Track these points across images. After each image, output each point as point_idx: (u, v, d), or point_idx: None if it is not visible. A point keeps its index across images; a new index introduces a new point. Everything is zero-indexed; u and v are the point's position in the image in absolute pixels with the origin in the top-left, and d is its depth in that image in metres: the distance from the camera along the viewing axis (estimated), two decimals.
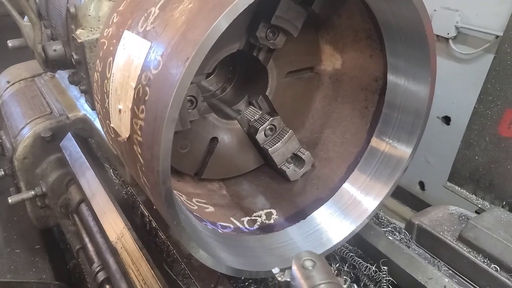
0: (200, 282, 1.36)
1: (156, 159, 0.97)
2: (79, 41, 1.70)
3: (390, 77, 1.43)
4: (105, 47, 1.25)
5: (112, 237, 1.56)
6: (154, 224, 1.60)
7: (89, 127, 2.20)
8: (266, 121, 1.58)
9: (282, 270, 0.75)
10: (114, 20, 1.25)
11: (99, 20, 1.75)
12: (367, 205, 1.43)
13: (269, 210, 1.56)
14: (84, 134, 2.22)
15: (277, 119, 1.60)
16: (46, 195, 2.24)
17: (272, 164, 1.65)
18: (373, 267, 1.47)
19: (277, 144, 1.60)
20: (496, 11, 2.22)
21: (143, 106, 1.01)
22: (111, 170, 1.97)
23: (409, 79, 1.38)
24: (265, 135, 1.61)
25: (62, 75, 2.63)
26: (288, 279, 0.71)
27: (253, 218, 1.52)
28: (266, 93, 1.61)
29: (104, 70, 1.24)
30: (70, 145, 2.10)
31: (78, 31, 1.76)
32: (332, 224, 1.45)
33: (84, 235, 2.06)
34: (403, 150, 1.41)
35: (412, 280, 1.39)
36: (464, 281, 1.34)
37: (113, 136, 1.27)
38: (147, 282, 1.35)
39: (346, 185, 1.51)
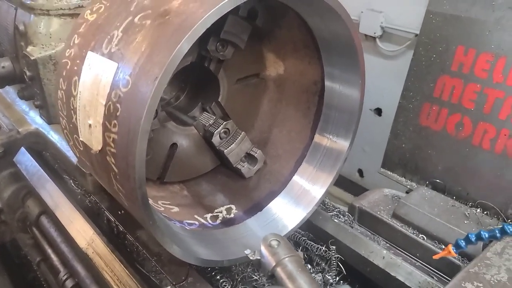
0: (171, 276, 1.49)
1: (131, 167, 1.09)
2: (32, 58, 1.76)
3: (327, 83, 1.64)
4: (68, 67, 1.35)
5: (82, 244, 1.65)
6: (121, 228, 1.70)
7: (43, 140, 2.23)
8: (220, 125, 1.73)
9: (253, 252, 0.91)
10: (76, 41, 1.35)
11: (50, 37, 1.81)
12: (315, 194, 1.62)
13: (228, 206, 1.72)
14: (37, 147, 2.25)
15: (230, 122, 1.76)
16: (2, 211, 2.25)
17: (228, 164, 1.80)
18: (323, 247, 1.67)
19: (231, 146, 1.75)
20: (414, 11, 2.52)
21: (115, 121, 1.13)
22: (70, 180, 2.02)
23: (343, 84, 1.59)
24: (220, 138, 1.76)
25: (6, 89, 2.61)
26: (259, 257, 0.87)
27: (215, 214, 1.67)
28: (219, 100, 1.76)
29: (69, 88, 1.33)
30: (25, 160, 2.12)
31: (29, 48, 1.81)
32: (286, 212, 1.63)
33: (46, 247, 2.11)
34: (342, 144, 1.62)
35: (356, 255, 1.60)
36: (399, 251, 1.58)
37: (81, 149, 1.37)
38: (122, 281, 1.46)
39: (296, 177, 1.70)
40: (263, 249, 0.86)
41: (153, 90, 1.02)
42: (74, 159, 1.96)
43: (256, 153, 1.79)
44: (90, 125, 1.25)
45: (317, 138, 1.70)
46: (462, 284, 1.23)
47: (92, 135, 1.25)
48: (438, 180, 1.72)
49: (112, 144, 1.15)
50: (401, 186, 1.86)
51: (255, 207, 1.71)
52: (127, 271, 1.48)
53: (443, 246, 1.50)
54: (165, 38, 1.07)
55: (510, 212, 1.54)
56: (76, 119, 1.32)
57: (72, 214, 1.77)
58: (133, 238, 1.66)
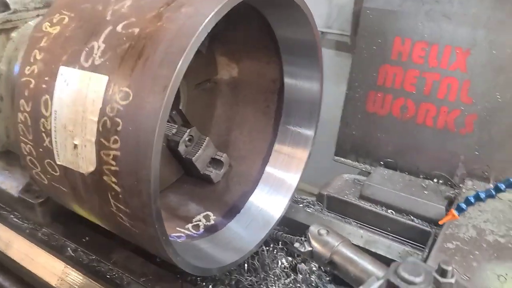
0: None
1: (144, 182, 1.03)
2: None
3: (287, 80, 1.70)
4: (32, 86, 1.22)
5: (52, 281, 1.49)
6: (93, 256, 1.57)
7: None
8: (184, 133, 1.70)
9: (301, 243, 0.93)
10: (38, 57, 1.22)
11: None
12: (291, 181, 1.68)
13: (205, 213, 1.69)
14: None
15: (193, 129, 1.73)
16: None
17: (194, 171, 1.77)
18: (302, 238, 1.73)
19: (198, 152, 1.73)
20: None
21: (115, 137, 1.06)
22: (11, 216, 1.80)
23: (303, 80, 1.67)
24: (185, 146, 1.72)
25: None
26: (310, 248, 0.90)
27: (195, 223, 1.63)
28: (180, 107, 1.72)
29: (37, 108, 1.21)
30: None
31: None
32: (266, 207, 1.67)
33: None
34: (307, 133, 1.69)
35: None
36: (372, 229, 1.71)
37: (57, 174, 1.25)
38: None
39: (268, 169, 1.73)
40: (313, 240, 0.89)
41: (165, 98, 0.99)
42: (13, 192, 1.75)
43: (221, 156, 1.78)
44: (75, 146, 1.15)
45: (281, 131, 1.75)
46: (445, 245, 1.39)
47: (80, 155, 1.15)
48: (389, 160, 1.90)
49: (113, 162, 1.08)
50: (356, 170, 2.00)
51: (233, 210, 1.71)
52: None
53: (411, 217, 1.67)
54: (166, 44, 1.04)
55: (456, 179, 1.77)
56: (50, 142, 1.20)
57: (31, 250, 1.58)
58: (110, 263, 1.54)
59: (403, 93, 1.82)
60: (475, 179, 1.68)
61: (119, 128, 1.05)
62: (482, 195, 1.29)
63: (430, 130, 1.80)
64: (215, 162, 1.80)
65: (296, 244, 0.97)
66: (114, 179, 1.10)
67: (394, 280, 0.59)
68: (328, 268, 0.89)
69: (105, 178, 1.11)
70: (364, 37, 1.86)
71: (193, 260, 1.31)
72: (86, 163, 1.14)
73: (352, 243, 0.91)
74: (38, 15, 1.70)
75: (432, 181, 1.77)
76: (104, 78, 1.08)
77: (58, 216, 1.73)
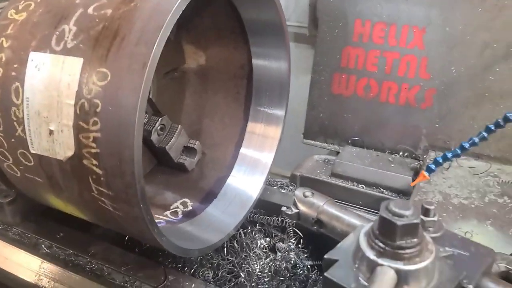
0: (149, 280, 1.42)
1: (127, 162, 1.03)
2: None
3: (255, 61, 1.73)
4: (0, 74, 1.19)
5: (30, 277, 1.44)
6: (69, 250, 1.54)
7: None
8: (156, 122, 1.69)
9: (288, 207, 0.96)
10: (5, 45, 1.19)
11: None
12: (266, 159, 1.71)
13: (182, 200, 1.69)
14: None
15: (165, 118, 1.73)
16: None
17: (168, 160, 1.77)
18: (279, 218, 1.77)
19: (171, 141, 1.73)
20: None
21: (95, 118, 1.05)
22: None
23: (271, 60, 1.71)
24: (158, 135, 1.72)
25: None
26: (297, 211, 0.93)
27: (173, 210, 1.63)
28: (150, 97, 1.72)
29: (7, 97, 1.18)
30: None
31: None
32: (243, 187, 1.69)
33: None
34: (278, 113, 1.74)
35: None
36: (345, 204, 1.77)
37: (32, 164, 1.23)
38: None
39: (243, 150, 1.76)
40: (299, 203, 0.92)
41: (145, 74, 0.99)
42: None
43: (194, 144, 1.79)
44: (51, 132, 1.13)
45: (253, 113, 1.78)
46: None
47: (56, 141, 1.13)
48: (356, 138, 1.97)
49: (93, 144, 1.07)
50: (325, 150, 2.07)
51: (209, 195, 1.72)
52: (101, 286, 1.36)
53: (381, 189, 1.75)
54: (142, 23, 1.04)
55: (419, 151, 1.87)
56: (23, 130, 1.17)
57: (3, 249, 1.53)
58: (88, 256, 1.52)
59: (366, 73, 1.90)
60: (437, 150, 1.79)
61: (98, 109, 1.05)
62: (449, 155, 1.38)
63: (393, 107, 1.89)
64: (188, 150, 1.81)
65: (283, 208, 1.00)
66: (95, 162, 1.09)
67: (386, 215, 0.63)
68: (315, 227, 0.93)
69: (85, 162, 1.10)
70: (326, 21, 1.92)
71: (176, 241, 1.31)
72: (63, 149, 1.12)
73: (336, 202, 0.96)
74: None
75: (398, 155, 1.86)
76: (79, 60, 1.08)
77: (29, 215, 1.68)
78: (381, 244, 0.64)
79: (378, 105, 1.91)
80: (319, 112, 2.03)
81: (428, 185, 1.60)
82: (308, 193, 0.94)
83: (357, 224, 0.85)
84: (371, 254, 0.65)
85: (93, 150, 1.08)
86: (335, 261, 0.69)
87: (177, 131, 1.75)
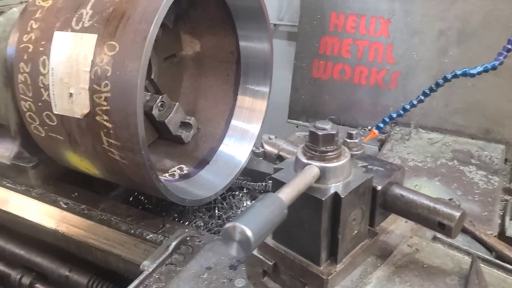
0: (150, 228, 1.68)
1: (131, 115, 1.31)
2: None
3: (242, 44, 2.01)
4: (30, 50, 1.47)
5: (50, 224, 1.72)
6: (83, 206, 1.81)
7: None
8: (157, 99, 1.97)
9: (256, 147, 1.22)
10: (34, 26, 1.48)
11: None
12: (253, 130, 1.98)
13: (179, 166, 1.97)
14: None
15: (165, 96, 2.01)
16: None
17: (167, 134, 2.04)
18: (263, 183, 2.04)
19: (170, 115, 2.00)
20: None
21: (106, 81, 1.33)
22: (3, 181, 2.00)
23: (255, 41, 1.98)
24: (158, 111, 2.00)
25: None
26: (263, 149, 1.19)
27: (171, 173, 1.91)
28: (152, 77, 2.00)
29: (35, 68, 1.46)
30: None
31: None
32: (233, 154, 1.96)
33: None
34: (264, 89, 2.01)
35: None
36: None
37: (54, 123, 1.50)
38: (109, 238, 1.61)
39: (234, 122, 2.03)
40: (265, 143, 1.19)
41: (145, 45, 1.27)
42: (5, 160, 1.96)
43: (190, 120, 2.07)
44: (71, 94, 1.41)
45: (241, 90, 2.06)
46: None
47: (75, 102, 1.41)
48: (333, 117, 2.24)
49: (105, 103, 1.35)
50: (307, 129, 2.33)
51: (202, 162, 1.99)
52: (110, 229, 1.63)
53: None
54: (143, 5, 1.32)
55: (387, 127, 2.13)
56: (48, 95, 1.45)
57: (27, 203, 1.81)
58: (99, 210, 1.79)
59: (341, 59, 2.17)
60: (401, 125, 2.05)
61: (109, 74, 1.33)
62: (394, 115, 1.63)
63: (365, 88, 2.15)
64: (185, 125, 2.08)
65: (253, 148, 1.26)
66: (105, 117, 1.36)
67: (313, 129, 0.90)
68: (277, 162, 1.19)
69: (97, 118, 1.38)
70: (306, 14, 2.20)
71: (173, 192, 1.58)
72: (80, 108, 1.40)
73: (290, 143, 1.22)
74: (21, 2, 1.94)
75: (368, 129, 2.12)
76: (94, 36, 1.36)
77: (49, 179, 1.96)
78: (310, 150, 0.90)
79: (352, 87, 2.18)
80: (301, 95, 2.30)
81: (390, 152, 1.86)
82: (272, 136, 1.20)
83: None
84: (304, 159, 0.91)
85: (104, 108, 1.35)
86: (281, 169, 0.96)
87: (175, 107, 2.02)
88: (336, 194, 0.88)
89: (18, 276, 1.93)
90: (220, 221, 1.89)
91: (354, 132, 1.02)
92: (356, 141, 1.03)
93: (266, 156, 1.21)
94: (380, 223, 1.03)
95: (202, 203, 1.78)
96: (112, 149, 1.42)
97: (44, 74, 1.44)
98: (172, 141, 2.08)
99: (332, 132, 0.90)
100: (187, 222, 1.84)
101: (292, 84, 2.32)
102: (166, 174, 1.87)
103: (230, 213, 1.92)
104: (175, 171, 1.92)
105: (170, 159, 2.02)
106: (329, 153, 0.90)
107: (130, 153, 1.39)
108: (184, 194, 1.72)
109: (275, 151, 1.18)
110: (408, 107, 1.54)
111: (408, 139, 1.94)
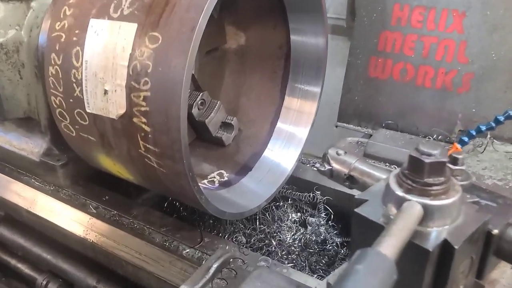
0: (186, 241, 1.51)
1: (174, 118, 1.12)
2: None
3: (293, 38, 1.78)
4: (62, 39, 1.30)
5: (79, 232, 1.57)
6: (114, 211, 1.65)
7: None
8: (197, 97, 1.78)
9: (321, 164, 1.02)
10: (67, 13, 1.31)
11: None
12: (301, 134, 1.77)
13: (219, 172, 1.78)
14: None
15: (205, 93, 1.82)
16: None
17: (206, 134, 1.86)
18: (310, 194, 1.83)
19: (210, 115, 1.81)
20: None
21: (145, 79, 1.15)
22: (32, 180, 1.87)
23: (308, 36, 1.76)
24: (198, 109, 1.81)
25: None
26: (330, 167, 0.99)
27: (210, 179, 1.72)
28: (193, 73, 1.81)
29: (68, 60, 1.29)
30: None
31: None
32: (278, 161, 1.76)
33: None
34: (315, 89, 1.79)
35: (341, 194, 1.79)
36: None
37: (87, 123, 1.34)
38: (141, 252, 1.44)
39: (280, 124, 1.83)
40: (333, 161, 0.98)
41: (194, 37, 1.08)
42: (34, 157, 1.83)
43: (231, 120, 1.87)
44: (106, 92, 1.23)
45: (290, 90, 1.84)
46: None
47: (110, 101, 1.23)
48: (390, 122, 2.00)
49: (143, 103, 1.17)
50: (358, 133, 2.10)
51: (244, 168, 1.80)
52: (143, 241, 1.46)
53: None
54: None
55: (454, 135, 1.88)
56: (81, 91, 1.29)
57: (55, 206, 1.66)
58: (131, 217, 1.63)
59: (403, 57, 1.93)
60: None
61: (149, 70, 1.14)
62: (483, 128, 1.39)
63: (429, 91, 1.90)
64: (226, 126, 1.89)
65: (317, 165, 1.06)
66: (144, 120, 1.18)
67: (415, 154, 0.68)
68: (347, 183, 0.99)
69: (135, 120, 1.20)
70: (364, 5, 1.96)
71: (213, 202, 1.40)
72: (116, 107, 1.23)
73: (366, 161, 1.01)
74: None
75: (432, 138, 1.88)
76: (133, 26, 1.17)
77: (78, 179, 1.81)
78: (409, 182, 0.69)
79: (414, 89, 1.93)
80: (354, 95, 2.07)
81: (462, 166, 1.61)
82: (341, 152, 1.00)
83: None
84: (399, 191, 0.70)
85: (142, 109, 1.17)
86: (365, 200, 0.75)
87: (216, 107, 1.83)
88: (446, 243, 0.66)
89: (44, 282, 1.80)
90: (262, 235, 1.69)
91: (460, 156, 0.80)
92: (463, 168, 0.80)
93: (333, 175, 1.00)
94: (489, 274, 0.81)
95: (244, 216, 1.59)
96: (149, 155, 1.24)
97: (77, 68, 1.27)
98: (211, 142, 1.90)
99: (442, 160, 0.68)
100: (226, 236, 1.66)
101: (344, 83, 2.09)
102: (205, 181, 1.69)
103: (274, 226, 1.72)
104: (214, 177, 1.73)
105: (209, 163, 1.84)
106: (436, 187, 0.68)
107: (170, 161, 1.21)
108: (225, 204, 1.53)
109: (345, 170, 0.97)
110: (502, 118, 1.29)
111: (482, 152, 1.68)
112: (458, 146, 1.42)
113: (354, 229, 0.71)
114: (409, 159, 0.70)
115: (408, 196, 0.68)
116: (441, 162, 0.67)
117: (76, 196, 1.75)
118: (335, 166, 0.99)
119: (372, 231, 0.70)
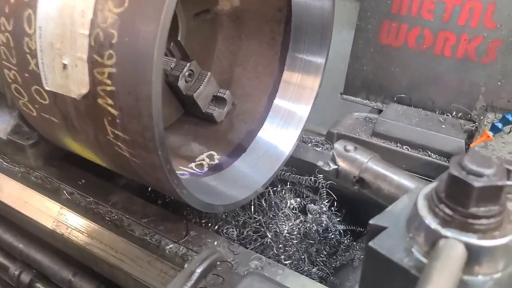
0: (170, 234, 1.33)
1: (145, 101, 0.91)
2: None
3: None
4: (12, 1, 1.07)
5: (48, 223, 1.39)
6: (90, 198, 1.47)
7: None
8: (184, 67, 1.56)
9: (325, 162, 0.82)
10: None
11: None
12: (301, 112, 1.56)
13: (209, 153, 1.58)
14: None
15: (194, 63, 1.59)
16: None
17: (196, 110, 1.65)
18: (312, 177, 1.63)
19: (199, 88, 1.60)
20: None
21: (110, 51, 0.93)
22: (1, 159, 1.68)
23: None
24: (186, 82, 1.59)
25: None
26: (336, 167, 0.79)
27: (198, 162, 1.53)
28: (178, 38, 1.58)
29: (19, 26, 1.06)
30: None
31: None
32: (275, 142, 1.56)
33: None
34: (318, 60, 1.56)
35: None
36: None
37: (47, 102, 1.13)
38: (117, 249, 1.27)
39: (277, 101, 1.61)
40: (339, 158, 0.78)
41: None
42: (1, 134, 1.63)
43: (224, 94, 1.66)
44: (65, 66, 1.01)
45: (290, 62, 1.62)
46: None
47: (70, 77, 1.02)
48: (403, 95, 1.78)
49: (108, 81, 0.95)
50: (366, 107, 1.89)
51: (238, 148, 1.60)
52: (120, 237, 1.29)
53: (428, 152, 1.57)
54: None
55: (475, 112, 1.66)
56: (36, 64, 1.07)
57: (24, 193, 1.48)
58: (108, 205, 1.44)
59: (420, 21, 1.68)
60: (497, 111, 1.58)
61: (114, 40, 0.92)
62: None
63: (449, 61, 1.67)
64: (218, 100, 1.68)
65: (320, 163, 0.86)
66: (110, 101, 0.97)
67: (459, 174, 0.48)
68: (357, 187, 0.79)
69: (99, 101, 0.99)
70: None
71: (198, 195, 1.21)
72: (77, 86, 1.01)
73: (383, 159, 0.81)
74: None
75: (450, 115, 1.66)
76: None
77: (51, 159, 1.62)
78: (448, 210, 0.49)
79: (432, 59, 1.70)
80: (363, 65, 1.84)
81: (483, 149, 1.41)
82: (350, 147, 0.79)
83: (409, 186, 0.71)
84: (433, 223, 0.50)
85: (108, 88, 0.96)
86: (383, 228, 0.56)
87: (206, 79, 1.61)
88: None
89: (17, 273, 1.64)
90: (257, 225, 1.52)
91: None
92: None
93: (339, 175, 0.80)
94: None
95: (236, 206, 1.40)
96: (119, 143, 1.04)
97: (30, 35, 1.05)
98: (201, 119, 1.69)
99: (499, 184, 0.48)
100: (216, 226, 1.48)
101: (352, 51, 1.85)
102: (193, 165, 1.49)
103: (270, 214, 1.54)
104: (203, 160, 1.54)
105: (199, 142, 1.64)
106: (486, 220, 0.48)
107: (142, 151, 1.01)
108: (214, 195, 1.35)
109: (355, 171, 0.78)
110: None
111: (509, 132, 1.47)
112: (490, 133, 1.22)
113: (367, 266, 0.52)
114: (449, 179, 0.49)
115: (444, 231, 0.49)
116: (497, 187, 0.47)
117: (48, 179, 1.56)
118: (343, 165, 0.79)
119: (392, 274, 0.51)
